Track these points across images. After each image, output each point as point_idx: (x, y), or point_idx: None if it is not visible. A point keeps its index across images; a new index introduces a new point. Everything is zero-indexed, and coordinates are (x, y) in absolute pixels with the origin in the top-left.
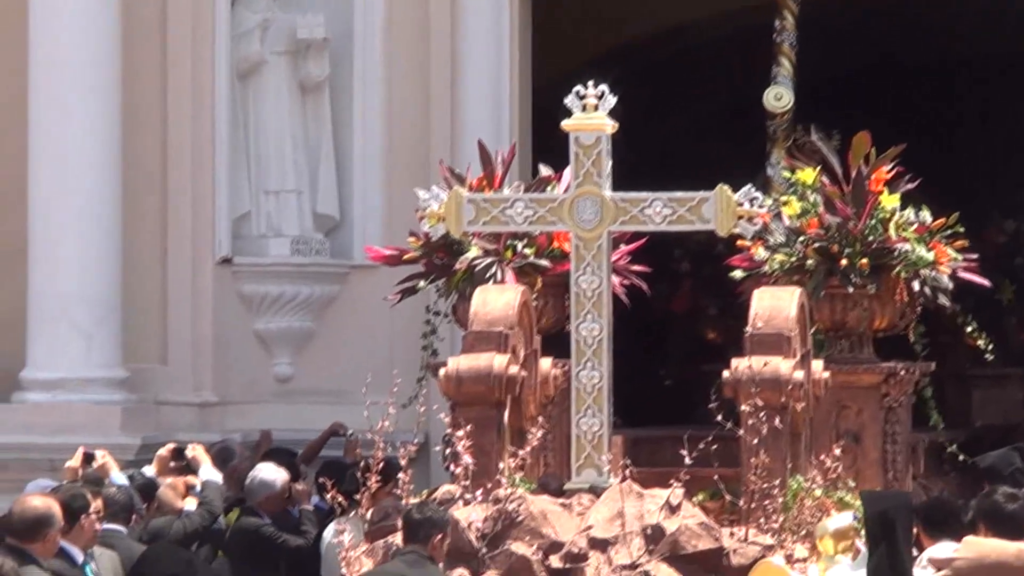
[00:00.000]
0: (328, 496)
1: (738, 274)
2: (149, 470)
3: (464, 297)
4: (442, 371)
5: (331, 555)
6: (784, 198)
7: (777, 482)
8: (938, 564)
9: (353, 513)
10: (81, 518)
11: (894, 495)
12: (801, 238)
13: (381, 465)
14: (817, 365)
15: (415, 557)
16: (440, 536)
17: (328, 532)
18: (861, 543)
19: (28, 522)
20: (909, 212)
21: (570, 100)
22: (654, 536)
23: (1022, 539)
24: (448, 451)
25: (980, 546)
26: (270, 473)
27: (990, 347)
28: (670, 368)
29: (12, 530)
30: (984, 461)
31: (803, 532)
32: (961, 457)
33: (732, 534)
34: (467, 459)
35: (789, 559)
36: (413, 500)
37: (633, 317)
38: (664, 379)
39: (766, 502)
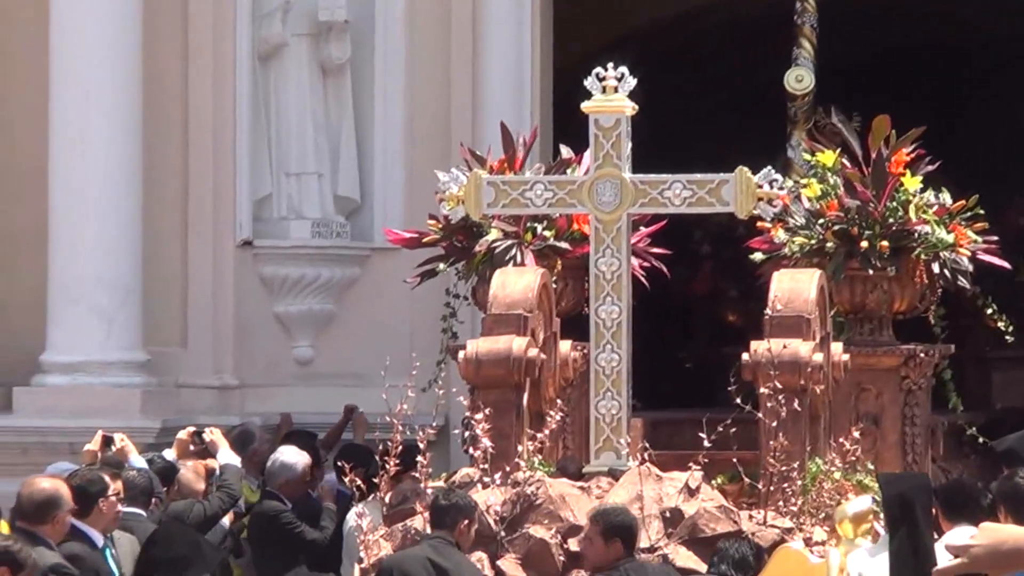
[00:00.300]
0: (347, 480)
1: (758, 256)
2: (169, 453)
3: (484, 280)
4: (461, 354)
5: (351, 539)
6: (804, 180)
7: (796, 465)
8: (954, 551)
9: (372, 497)
10: (99, 502)
11: (912, 477)
12: (821, 220)
13: (400, 449)
14: (836, 348)
15: (441, 543)
16: (467, 522)
17: (351, 516)
18: (881, 526)
19: (36, 504)
20: (929, 194)
21: (590, 82)
22: (673, 519)
23: None
24: (467, 434)
25: (997, 532)
26: (291, 456)
27: (1010, 329)
28: (690, 351)
29: (22, 513)
30: (1002, 444)
31: (822, 515)
32: (981, 440)
33: (751, 517)
34: (486, 442)
35: (808, 542)
36: (433, 484)
37: (653, 300)
38: (684, 362)
39: (785, 485)
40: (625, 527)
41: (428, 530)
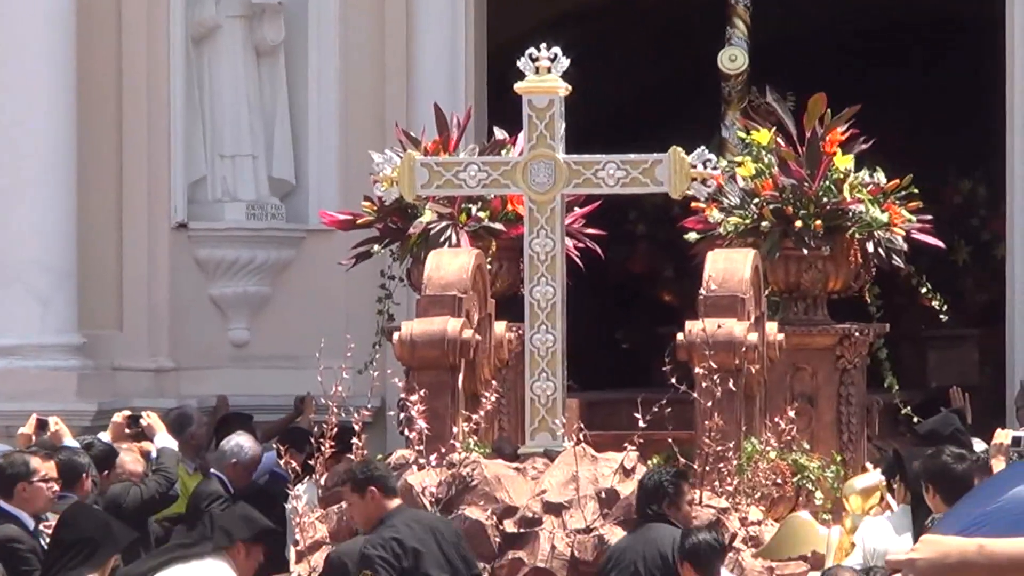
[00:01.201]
0: (283, 462)
1: (692, 236)
2: (104, 436)
3: (419, 261)
4: (396, 335)
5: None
6: (739, 159)
7: (731, 445)
8: (897, 565)
9: (308, 478)
10: (20, 484)
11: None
12: (756, 200)
13: (335, 431)
14: (771, 327)
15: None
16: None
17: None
18: (892, 499)
19: None
20: (864, 173)
21: (523, 63)
22: (608, 500)
23: None
24: (402, 416)
25: (939, 544)
26: (246, 441)
27: (945, 308)
28: (626, 331)
29: None
30: (923, 427)
31: (757, 495)
32: (915, 419)
33: None
34: (421, 424)
35: (743, 521)
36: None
37: (589, 280)
38: (620, 342)
39: (720, 465)
40: (376, 477)
41: None
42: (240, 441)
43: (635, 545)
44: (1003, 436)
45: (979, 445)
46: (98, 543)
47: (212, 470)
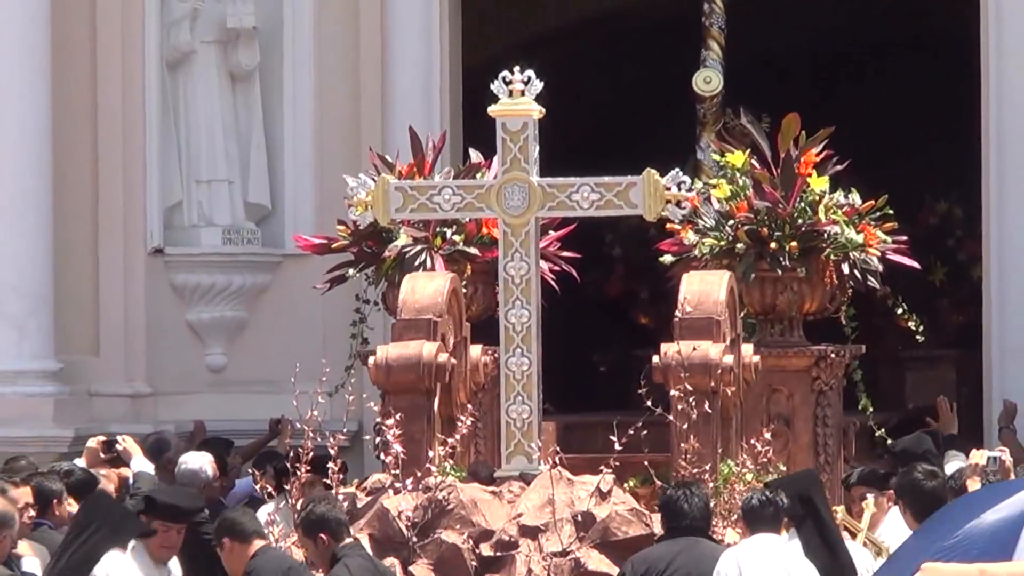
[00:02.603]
0: (258, 486)
1: (668, 259)
2: (80, 462)
3: (394, 285)
4: (372, 359)
5: None
6: (714, 181)
7: (707, 467)
8: None
9: (284, 503)
10: None
11: (802, 474)
12: (731, 222)
13: (311, 455)
14: (747, 349)
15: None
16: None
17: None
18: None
19: None
20: (838, 194)
21: (496, 86)
22: (584, 523)
23: None
24: (378, 440)
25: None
26: (195, 461)
27: (921, 329)
28: (602, 354)
29: None
30: (897, 446)
31: (734, 517)
32: (889, 441)
33: None
34: (397, 448)
35: (720, 544)
36: (344, 490)
37: (565, 303)
38: (597, 365)
39: None
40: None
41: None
42: (190, 466)
43: (685, 558)
44: (979, 456)
45: (958, 462)
46: (119, 527)
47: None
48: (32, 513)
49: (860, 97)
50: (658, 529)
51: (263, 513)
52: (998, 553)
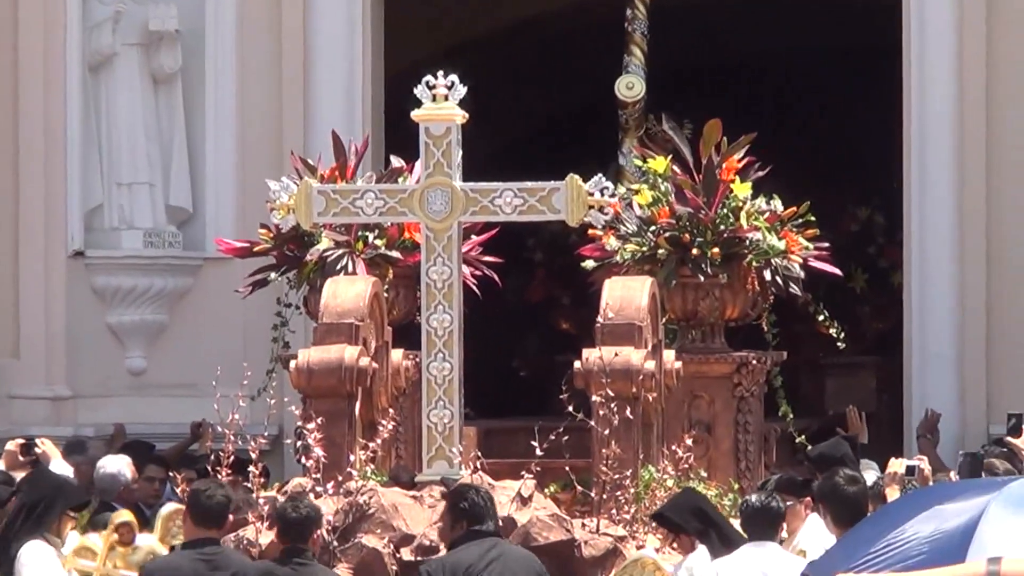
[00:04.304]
0: (178, 489)
1: (589, 264)
2: None
3: (315, 289)
4: (293, 363)
5: None
6: (636, 187)
7: (629, 473)
8: None
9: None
10: None
11: (683, 493)
12: (652, 227)
13: (232, 459)
14: (669, 355)
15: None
16: (318, 532)
17: None
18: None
19: None
20: (760, 201)
21: (420, 90)
22: (506, 528)
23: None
24: (299, 444)
25: None
26: (113, 465)
27: (842, 336)
28: (523, 359)
29: None
30: (814, 451)
31: (655, 523)
32: (809, 447)
33: (584, 525)
34: (318, 451)
35: (640, 550)
36: (265, 493)
37: (486, 307)
38: (518, 370)
39: (618, 493)
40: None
41: (262, 541)
42: (109, 470)
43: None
44: (897, 465)
45: (873, 472)
46: (52, 500)
47: (105, 501)
48: None
49: (783, 104)
50: (579, 534)
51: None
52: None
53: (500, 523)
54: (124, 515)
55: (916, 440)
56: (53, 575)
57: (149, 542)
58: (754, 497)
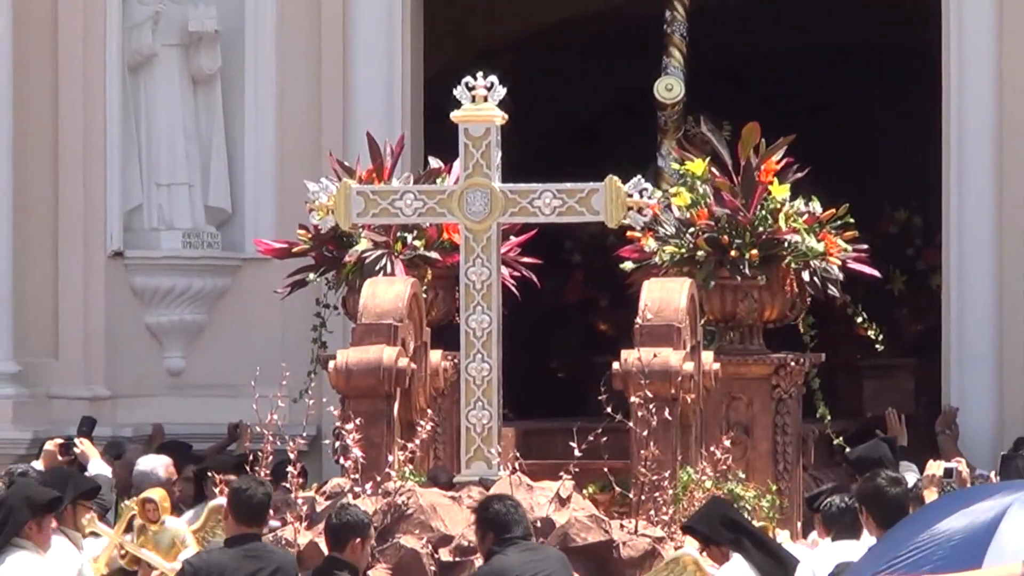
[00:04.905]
0: (218, 491)
1: (628, 265)
2: (38, 464)
3: (354, 290)
4: (331, 364)
5: None
6: (674, 189)
7: (667, 474)
8: None
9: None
10: None
11: (711, 503)
12: (691, 229)
13: (270, 459)
14: (707, 356)
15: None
16: (359, 540)
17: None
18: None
19: None
20: (799, 202)
21: (459, 91)
22: (544, 529)
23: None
24: (338, 444)
25: None
26: (148, 464)
27: (880, 338)
28: (562, 360)
29: None
30: (853, 454)
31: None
32: (847, 449)
33: (622, 526)
34: (357, 452)
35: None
36: (304, 494)
37: (525, 309)
38: (556, 371)
39: (656, 494)
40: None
41: (300, 541)
42: (142, 468)
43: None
44: (935, 467)
45: (912, 474)
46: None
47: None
48: None
49: (820, 105)
50: (617, 535)
51: (184, 519)
52: (964, 563)
53: (530, 527)
54: (153, 492)
55: (936, 437)
56: None
57: (177, 525)
58: (837, 499)
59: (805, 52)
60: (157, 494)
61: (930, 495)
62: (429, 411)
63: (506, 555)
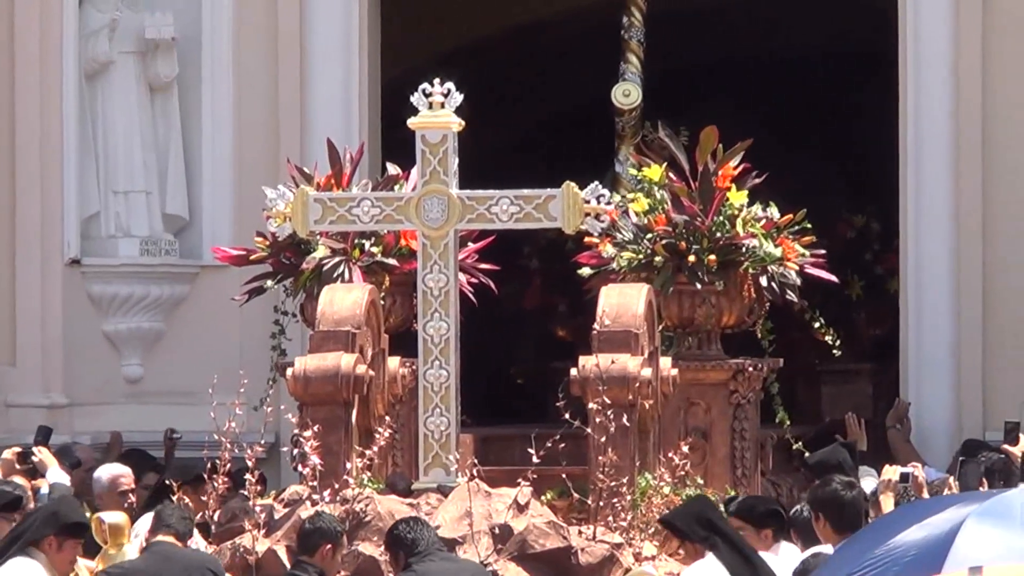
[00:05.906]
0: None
1: (586, 271)
2: None
3: (312, 297)
4: (289, 371)
5: None
6: (632, 195)
7: (625, 480)
8: None
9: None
10: None
11: (694, 500)
12: (649, 235)
13: (228, 467)
14: (665, 362)
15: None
16: (330, 546)
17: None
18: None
19: None
20: (756, 208)
21: (416, 98)
22: (502, 535)
23: (857, 526)
24: (296, 451)
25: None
26: (104, 471)
27: (838, 343)
28: (520, 366)
29: None
30: (812, 458)
31: (651, 530)
32: (806, 454)
33: (580, 533)
34: (315, 459)
35: (637, 557)
36: (262, 501)
37: (483, 315)
38: (514, 377)
39: (614, 500)
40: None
41: (258, 549)
42: (98, 475)
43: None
44: (891, 472)
45: (872, 479)
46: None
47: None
48: None
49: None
50: (576, 541)
51: (140, 526)
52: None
53: (440, 543)
54: (114, 516)
55: (885, 432)
56: None
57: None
58: (806, 508)
59: (767, 59)
60: (120, 518)
61: (886, 500)
62: (387, 418)
63: (424, 563)
